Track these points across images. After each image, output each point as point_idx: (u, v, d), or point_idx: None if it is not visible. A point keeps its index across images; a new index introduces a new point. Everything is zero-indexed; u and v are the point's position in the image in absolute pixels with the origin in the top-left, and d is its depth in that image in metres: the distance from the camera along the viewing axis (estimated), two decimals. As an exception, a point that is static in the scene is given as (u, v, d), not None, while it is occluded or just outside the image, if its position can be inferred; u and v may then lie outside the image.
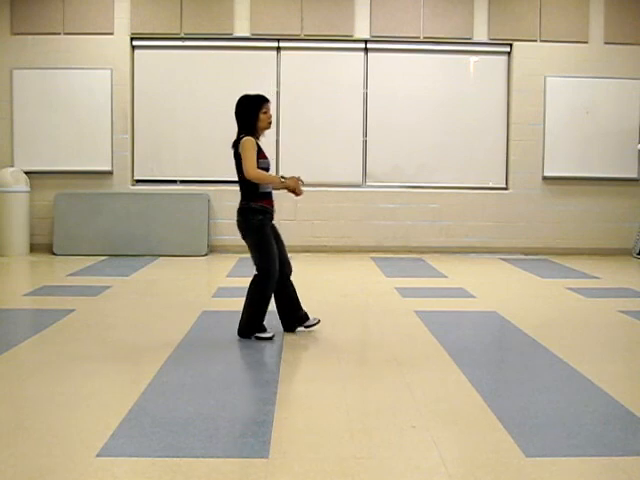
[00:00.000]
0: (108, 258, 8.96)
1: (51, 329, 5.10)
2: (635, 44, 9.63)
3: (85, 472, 2.74)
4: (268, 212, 4.82)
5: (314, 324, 5.08)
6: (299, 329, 5.07)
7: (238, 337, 4.84)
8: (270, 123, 4.85)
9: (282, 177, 4.87)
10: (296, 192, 4.83)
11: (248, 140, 4.70)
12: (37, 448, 2.96)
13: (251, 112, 4.77)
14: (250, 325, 4.84)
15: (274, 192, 4.92)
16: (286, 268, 4.96)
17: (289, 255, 5.05)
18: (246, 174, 4.68)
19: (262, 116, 4.78)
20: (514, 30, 9.64)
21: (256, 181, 4.70)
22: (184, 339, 4.84)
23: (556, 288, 7.19)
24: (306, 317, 5.07)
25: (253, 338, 4.82)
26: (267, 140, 9.36)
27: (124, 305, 6.23)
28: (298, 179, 4.85)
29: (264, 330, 4.85)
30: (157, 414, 3.38)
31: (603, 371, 4.18)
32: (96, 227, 9.34)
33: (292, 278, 5.03)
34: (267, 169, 4.84)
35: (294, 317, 5.05)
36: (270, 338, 4.82)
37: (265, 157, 4.82)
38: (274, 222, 4.94)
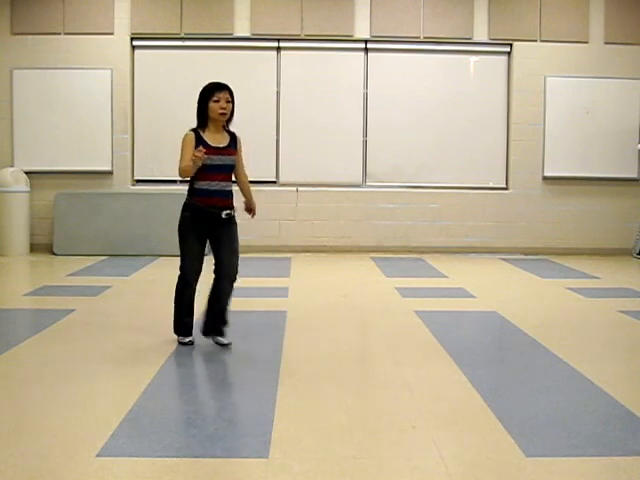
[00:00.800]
0: (108, 258, 8.95)
1: (51, 329, 5.10)
2: (635, 44, 9.62)
3: (85, 472, 2.74)
4: (198, 210, 4.50)
5: (224, 344, 4.68)
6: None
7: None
8: (223, 114, 4.44)
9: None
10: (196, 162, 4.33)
11: (185, 136, 4.49)
12: (37, 448, 2.96)
13: (201, 101, 4.49)
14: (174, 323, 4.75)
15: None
16: (221, 270, 4.66)
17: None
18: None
19: (212, 105, 4.41)
20: (514, 30, 9.64)
21: (184, 176, 4.49)
22: (184, 339, 4.84)
23: (556, 288, 7.19)
24: (218, 332, 4.70)
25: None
26: (267, 140, 9.53)
27: (124, 305, 6.23)
28: (199, 151, 4.32)
29: (181, 334, 4.74)
30: (157, 414, 3.38)
31: (603, 371, 4.18)
32: (96, 227, 9.33)
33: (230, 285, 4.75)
34: (214, 166, 4.44)
35: (209, 322, 4.71)
36: (184, 343, 4.69)
37: (213, 152, 4.42)
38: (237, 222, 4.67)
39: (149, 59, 9.69)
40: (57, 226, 9.39)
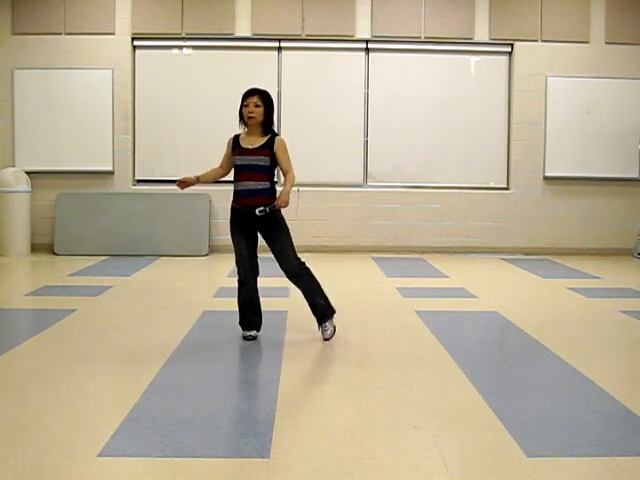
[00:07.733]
0: (109, 258, 8.96)
1: (52, 329, 5.11)
2: (636, 44, 9.62)
3: (86, 472, 2.74)
4: (234, 210, 4.83)
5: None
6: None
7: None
8: (250, 117, 4.69)
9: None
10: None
11: (228, 139, 4.91)
12: (37, 448, 2.96)
13: (241, 106, 4.80)
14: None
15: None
16: (280, 267, 5.17)
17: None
18: None
19: (243, 109, 4.74)
20: (515, 30, 9.64)
21: None
22: (185, 339, 4.84)
23: (557, 288, 7.18)
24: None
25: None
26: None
27: (125, 305, 6.23)
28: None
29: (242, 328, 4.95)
30: (158, 414, 3.38)
31: (604, 371, 4.17)
32: (97, 227, 9.34)
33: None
34: (243, 166, 4.72)
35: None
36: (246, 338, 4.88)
37: (242, 153, 4.73)
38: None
39: (150, 59, 9.69)
40: (58, 226, 9.40)
